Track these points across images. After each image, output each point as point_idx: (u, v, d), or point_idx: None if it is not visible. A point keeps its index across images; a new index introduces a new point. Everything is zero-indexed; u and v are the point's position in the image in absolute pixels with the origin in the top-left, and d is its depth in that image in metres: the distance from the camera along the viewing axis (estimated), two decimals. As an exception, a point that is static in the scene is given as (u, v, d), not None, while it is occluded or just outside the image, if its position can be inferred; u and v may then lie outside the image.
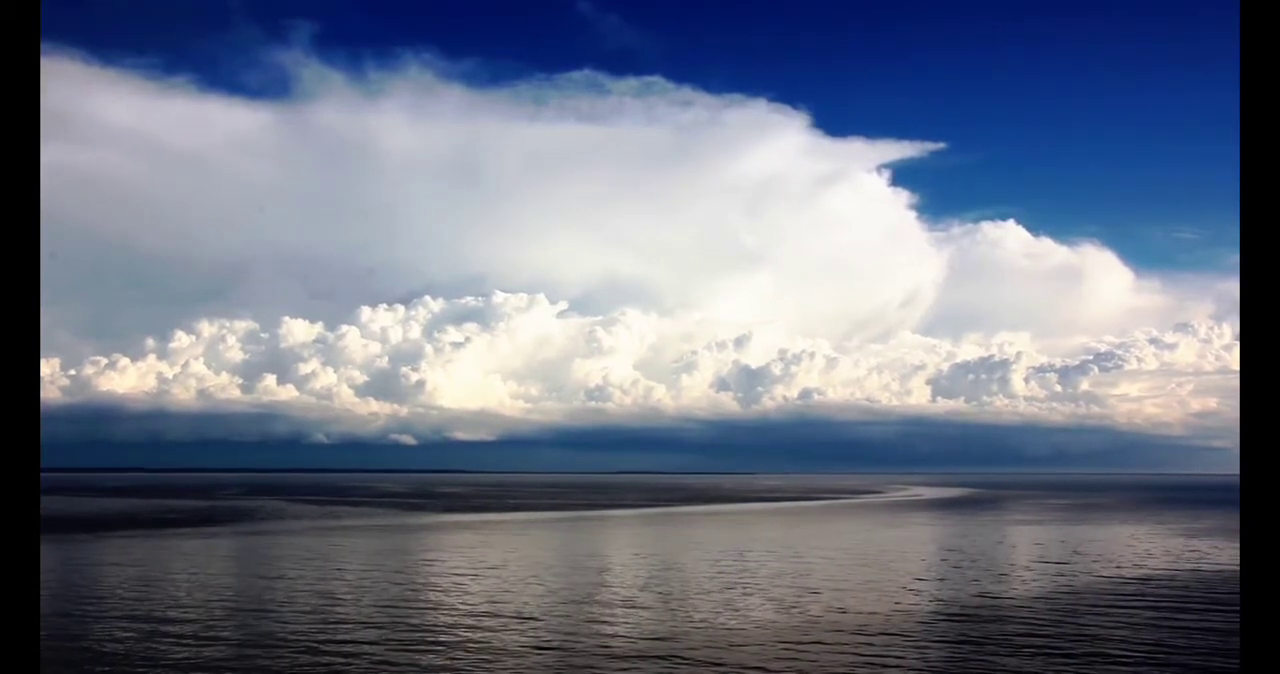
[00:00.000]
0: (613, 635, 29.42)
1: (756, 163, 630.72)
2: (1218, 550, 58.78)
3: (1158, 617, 33.03)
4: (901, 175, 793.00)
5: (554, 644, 28.01)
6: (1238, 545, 60.77)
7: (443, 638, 28.90)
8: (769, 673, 24.64)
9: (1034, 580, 42.94)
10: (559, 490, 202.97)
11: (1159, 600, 36.81)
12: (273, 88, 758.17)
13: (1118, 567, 48.60)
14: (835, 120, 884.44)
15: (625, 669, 25.04)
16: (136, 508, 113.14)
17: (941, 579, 43.37)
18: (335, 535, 70.68)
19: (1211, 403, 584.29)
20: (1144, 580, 43.10)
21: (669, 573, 45.81)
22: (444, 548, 60.85)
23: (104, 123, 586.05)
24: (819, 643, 28.12)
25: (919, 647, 27.71)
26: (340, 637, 29.01)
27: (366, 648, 27.39)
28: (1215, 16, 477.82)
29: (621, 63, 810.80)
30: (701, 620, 32.11)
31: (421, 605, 35.26)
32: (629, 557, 54.79)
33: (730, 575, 44.17)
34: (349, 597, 37.42)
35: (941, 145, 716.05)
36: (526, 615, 32.99)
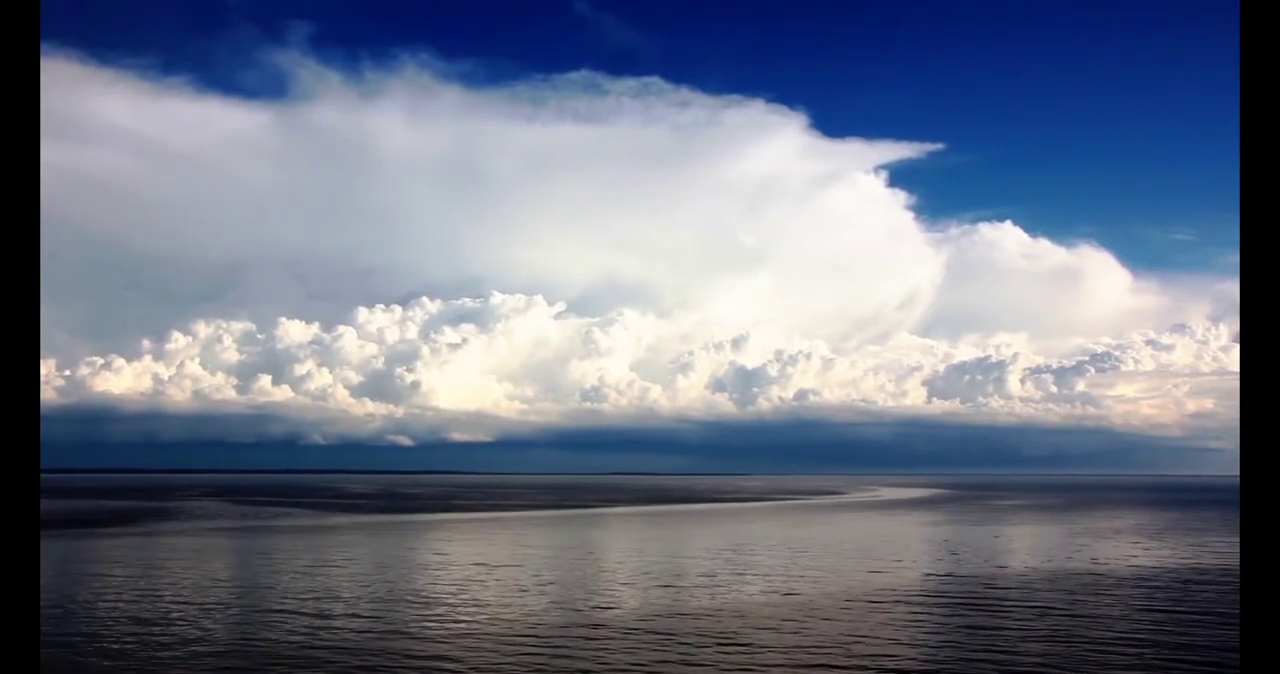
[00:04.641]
0: (327, 634, 29.68)
1: (754, 163, 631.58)
2: (1090, 548, 58.63)
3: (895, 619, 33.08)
4: (899, 176, 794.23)
5: (346, 640, 28.34)
6: (1137, 545, 61.97)
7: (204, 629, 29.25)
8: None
9: (837, 580, 42.98)
10: (526, 491, 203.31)
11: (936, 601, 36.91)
12: (270, 88, 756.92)
13: (975, 564, 48.85)
14: (833, 121, 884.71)
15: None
16: (57, 509, 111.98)
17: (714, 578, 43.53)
18: (228, 536, 71.70)
19: (1208, 404, 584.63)
20: (959, 579, 43.15)
21: (452, 572, 46.04)
22: (319, 547, 61.01)
23: (101, 123, 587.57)
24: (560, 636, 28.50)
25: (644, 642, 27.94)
26: (99, 631, 29.10)
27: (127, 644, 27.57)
28: (1215, 16, 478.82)
29: (619, 63, 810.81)
30: (431, 618, 32.45)
31: (220, 600, 35.58)
32: (475, 556, 54.91)
33: (535, 573, 44.77)
34: (165, 594, 37.82)
35: (939, 146, 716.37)
36: (317, 613, 33.28)
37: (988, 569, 47.57)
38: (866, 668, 24.97)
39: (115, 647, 27.59)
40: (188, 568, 47.93)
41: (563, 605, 35.09)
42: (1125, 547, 61.77)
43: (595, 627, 30.64)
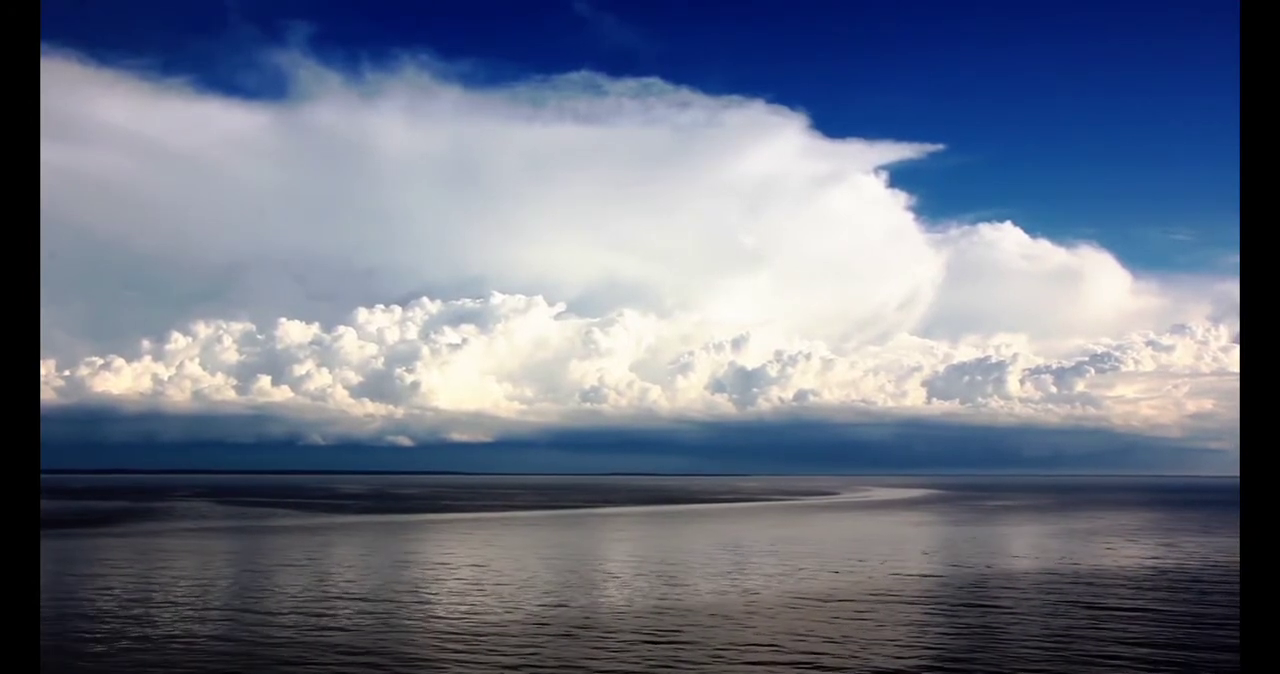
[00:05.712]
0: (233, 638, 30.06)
1: (755, 164, 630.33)
2: (1060, 548, 59.09)
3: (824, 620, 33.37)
4: (899, 176, 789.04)
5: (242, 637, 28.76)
6: (1108, 546, 62.35)
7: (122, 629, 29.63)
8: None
9: (773, 580, 43.39)
10: (519, 492, 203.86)
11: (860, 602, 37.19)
12: (269, 88, 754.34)
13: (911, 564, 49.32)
14: (833, 121, 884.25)
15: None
16: (45, 509, 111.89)
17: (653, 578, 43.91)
18: (204, 537, 72.46)
19: (1208, 404, 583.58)
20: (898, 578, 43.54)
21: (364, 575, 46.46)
22: (290, 547, 61.53)
23: (101, 123, 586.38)
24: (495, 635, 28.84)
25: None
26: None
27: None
28: (1215, 16, 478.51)
29: (619, 63, 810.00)
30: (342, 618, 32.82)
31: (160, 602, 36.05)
32: (442, 555, 55.43)
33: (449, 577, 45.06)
34: (116, 592, 38.23)
35: (939, 147, 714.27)
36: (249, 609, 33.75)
37: (949, 569, 47.91)
38: (787, 663, 25.30)
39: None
40: (152, 568, 48.26)
41: (510, 604, 35.40)
42: (1096, 547, 62.08)
43: (537, 625, 31.00)
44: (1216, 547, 61.92)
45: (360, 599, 36.39)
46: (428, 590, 39.20)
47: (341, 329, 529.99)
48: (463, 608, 34.45)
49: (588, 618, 32.20)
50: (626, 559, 52.67)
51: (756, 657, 26.09)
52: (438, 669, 24.83)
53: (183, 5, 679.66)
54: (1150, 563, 51.03)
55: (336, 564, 49.95)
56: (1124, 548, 61.12)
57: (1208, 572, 46.73)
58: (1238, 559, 51.44)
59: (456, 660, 25.68)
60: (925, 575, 44.79)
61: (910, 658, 26.00)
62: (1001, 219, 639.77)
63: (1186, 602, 36.72)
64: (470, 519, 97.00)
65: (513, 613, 33.35)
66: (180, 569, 47.14)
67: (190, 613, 33.38)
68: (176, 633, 29.60)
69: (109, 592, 38.49)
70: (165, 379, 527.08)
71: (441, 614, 33.07)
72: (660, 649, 27.05)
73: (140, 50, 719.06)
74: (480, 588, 39.84)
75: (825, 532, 79.43)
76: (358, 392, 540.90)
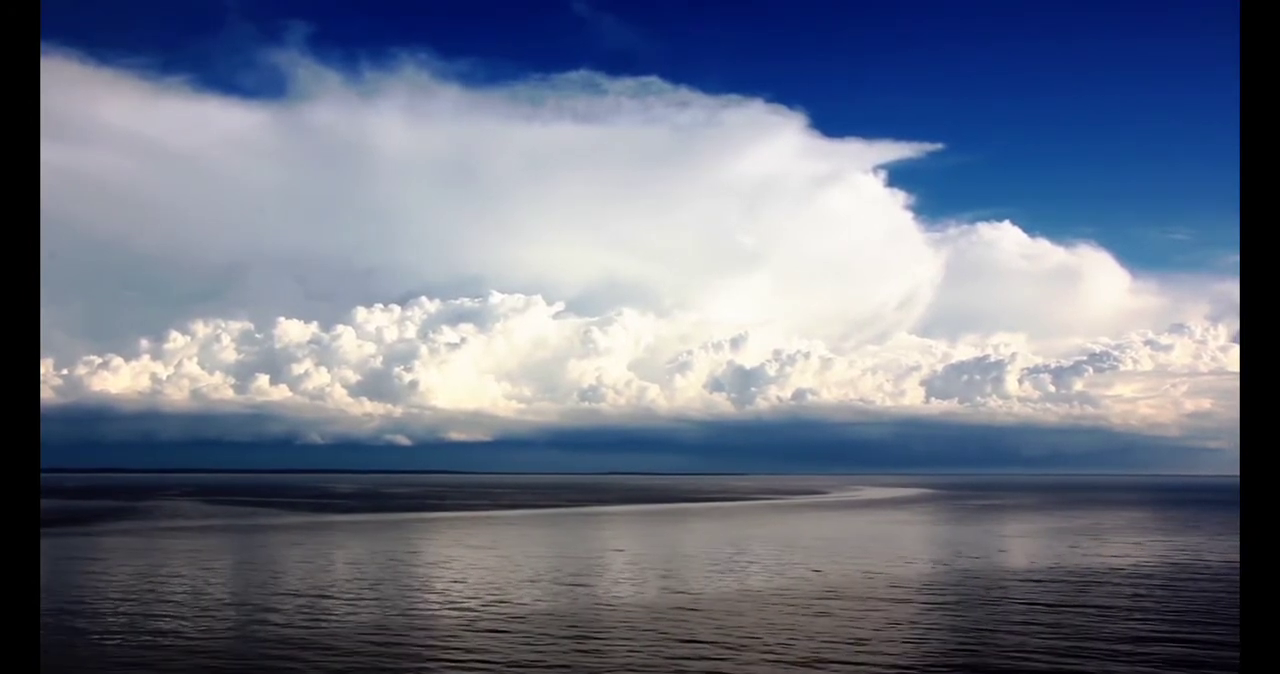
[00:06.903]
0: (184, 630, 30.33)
1: (753, 163, 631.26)
2: (1026, 547, 59.56)
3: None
4: (898, 176, 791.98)
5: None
6: (1073, 545, 62.47)
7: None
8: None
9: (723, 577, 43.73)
10: (511, 491, 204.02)
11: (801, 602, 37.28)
12: (268, 88, 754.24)
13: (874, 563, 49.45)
14: (832, 121, 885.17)
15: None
16: None
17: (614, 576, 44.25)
18: (172, 536, 72.84)
19: (1206, 404, 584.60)
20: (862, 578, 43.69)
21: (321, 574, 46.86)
22: (254, 546, 62.17)
23: (99, 123, 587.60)
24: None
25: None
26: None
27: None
28: (1215, 16, 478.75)
29: (618, 63, 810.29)
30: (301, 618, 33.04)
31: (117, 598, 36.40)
32: (406, 554, 55.90)
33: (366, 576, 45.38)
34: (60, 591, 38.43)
35: (938, 146, 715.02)
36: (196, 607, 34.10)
37: (904, 567, 48.13)
38: (703, 657, 25.46)
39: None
40: (111, 566, 48.50)
41: (451, 601, 35.62)
42: (1062, 545, 62.18)
43: (470, 620, 31.19)
44: (1184, 544, 62.15)
45: (305, 595, 36.67)
46: (377, 588, 39.40)
47: (340, 328, 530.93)
48: (403, 604, 34.80)
49: (524, 615, 32.44)
50: (589, 557, 52.86)
51: (675, 652, 26.32)
52: (355, 660, 25.11)
53: (182, 5, 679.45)
54: (1112, 563, 51.05)
55: (296, 562, 50.11)
56: (1089, 546, 61.13)
57: (1161, 569, 46.87)
58: (1201, 557, 52.32)
59: (376, 654, 25.97)
60: (876, 573, 44.92)
61: (827, 651, 26.26)
62: (1000, 218, 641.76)
63: (1127, 597, 36.90)
64: (451, 518, 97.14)
65: (451, 609, 33.60)
66: (136, 567, 47.23)
67: (133, 609, 33.56)
68: (111, 629, 29.83)
69: (60, 589, 38.67)
70: (164, 378, 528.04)
71: (378, 610, 33.39)
72: (584, 644, 27.32)
73: (139, 50, 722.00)
74: (429, 585, 40.15)
75: (801, 531, 79.44)
76: (356, 391, 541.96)
